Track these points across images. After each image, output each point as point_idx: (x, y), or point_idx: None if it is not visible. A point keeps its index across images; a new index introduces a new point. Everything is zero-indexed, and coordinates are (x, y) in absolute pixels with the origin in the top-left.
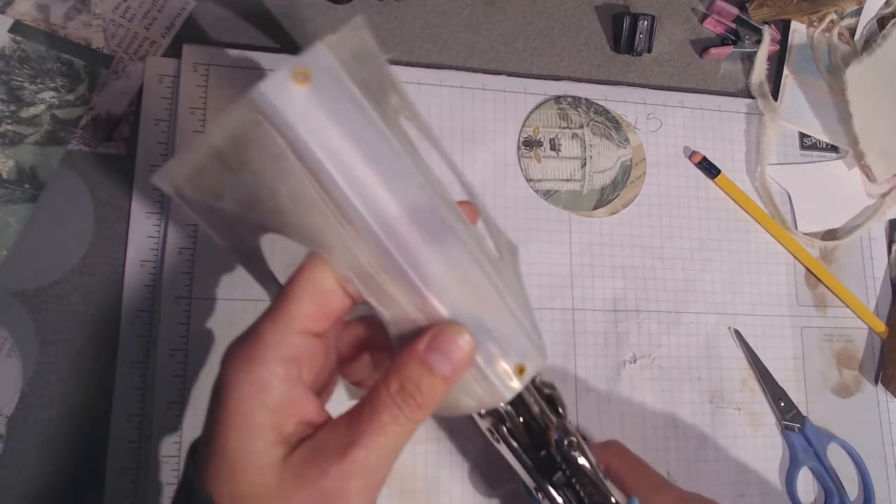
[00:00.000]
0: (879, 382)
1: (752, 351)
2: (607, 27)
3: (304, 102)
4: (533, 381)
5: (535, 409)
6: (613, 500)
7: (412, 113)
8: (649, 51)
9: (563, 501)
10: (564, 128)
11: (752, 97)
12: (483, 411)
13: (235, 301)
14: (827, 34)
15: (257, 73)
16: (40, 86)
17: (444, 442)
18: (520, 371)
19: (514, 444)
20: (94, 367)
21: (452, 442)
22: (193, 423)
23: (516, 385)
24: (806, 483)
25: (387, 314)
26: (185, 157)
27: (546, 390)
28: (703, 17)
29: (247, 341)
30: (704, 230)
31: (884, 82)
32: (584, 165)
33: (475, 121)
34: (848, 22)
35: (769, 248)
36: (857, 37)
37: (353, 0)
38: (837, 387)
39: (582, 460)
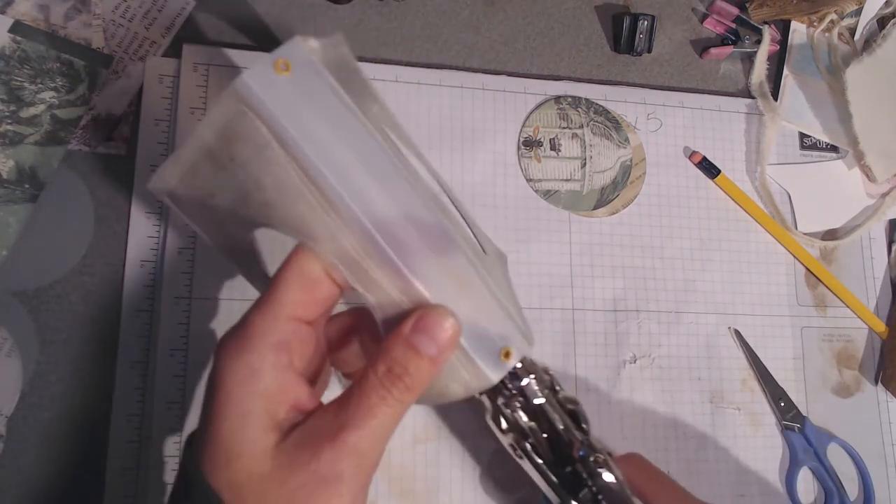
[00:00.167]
0: (879, 382)
1: (752, 351)
2: (607, 27)
3: (285, 91)
4: (556, 397)
5: (560, 425)
6: None
7: (393, 123)
8: (649, 51)
9: None
10: (564, 128)
11: (752, 97)
12: (505, 426)
13: (235, 301)
14: (827, 34)
15: None
16: (40, 86)
17: (445, 442)
18: (506, 355)
19: (539, 460)
20: (94, 367)
21: (453, 442)
22: (193, 423)
23: (502, 369)
24: (806, 483)
25: (372, 299)
26: (178, 156)
27: (569, 405)
28: (703, 17)
29: (237, 331)
30: (704, 230)
31: (884, 82)
32: (584, 165)
33: (475, 121)
34: (848, 22)
35: (769, 248)
36: (857, 37)
37: (353, 0)
38: (837, 387)
39: (608, 476)
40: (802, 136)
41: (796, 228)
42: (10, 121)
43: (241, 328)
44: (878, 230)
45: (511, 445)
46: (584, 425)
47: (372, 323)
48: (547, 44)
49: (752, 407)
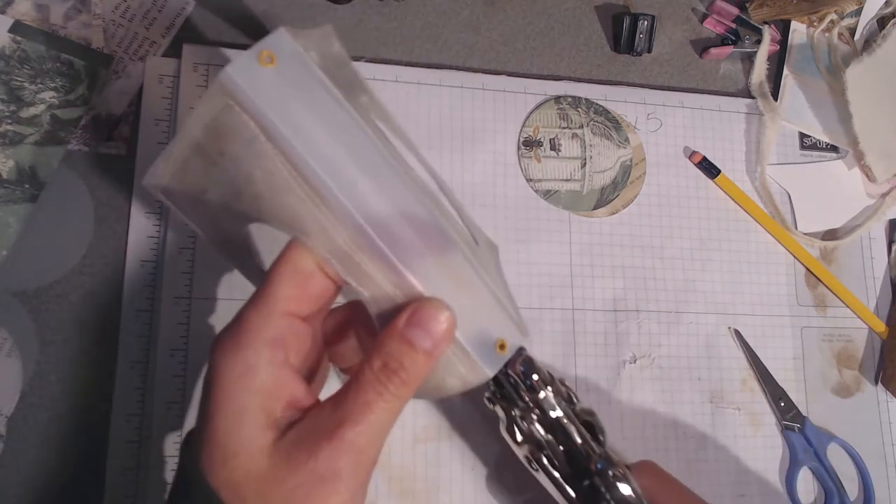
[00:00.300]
0: (879, 382)
1: (752, 351)
2: (607, 27)
3: (270, 83)
4: (573, 409)
5: (578, 438)
6: None
7: (383, 113)
8: (649, 51)
9: None
10: (564, 128)
11: (752, 97)
12: (520, 438)
13: (235, 301)
14: (827, 34)
15: None
16: (40, 86)
17: (445, 442)
18: (500, 347)
19: (556, 473)
20: (94, 367)
21: (453, 442)
22: (193, 422)
23: (498, 361)
24: (806, 483)
25: (366, 293)
26: (169, 153)
27: (586, 417)
28: (703, 17)
29: (232, 327)
30: (704, 230)
31: (884, 82)
32: (584, 165)
33: (475, 121)
34: (848, 22)
35: (769, 248)
36: (857, 37)
37: (354, 0)
38: (837, 387)
39: (626, 489)
40: (802, 136)
41: (796, 228)
42: (10, 121)
43: (236, 325)
44: (878, 230)
45: (526, 457)
46: (600, 436)
47: (367, 317)
48: (547, 44)
49: (752, 407)
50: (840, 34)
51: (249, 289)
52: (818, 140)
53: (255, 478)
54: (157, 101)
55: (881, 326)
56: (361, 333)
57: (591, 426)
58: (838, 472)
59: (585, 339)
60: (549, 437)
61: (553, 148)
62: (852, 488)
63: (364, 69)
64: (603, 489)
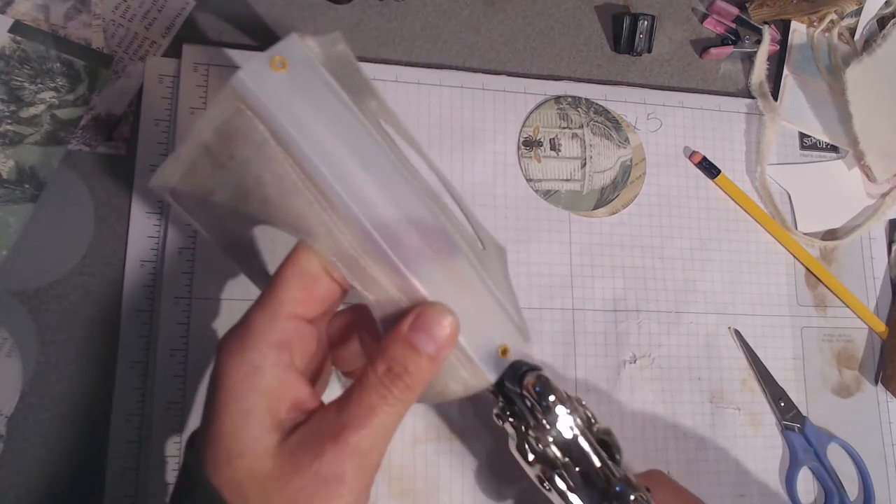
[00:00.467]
0: (879, 382)
1: (752, 351)
2: (607, 27)
3: (282, 88)
4: (591, 429)
5: (598, 462)
6: None
7: (392, 117)
8: (649, 51)
9: None
10: (564, 128)
11: (752, 97)
12: (531, 458)
13: (235, 301)
14: (827, 34)
15: None
16: (40, 86)
17: (445, 442)
18: (503, 352)
19: (572, 496)
20: (94, 367)
21: (453, 442)
22: (194, 423)
23: (500, 367)
24: (806, 483)
25: (371, 297)
26: (178, 155)
27: (603, 437)
28: (703, 17)
29: (238, 329)
30: (704, 230)
31: (884, 82)
32: (584, 165)
33: (475, 121)
34: (848, 22)
35: (769, 248)
36: (857, 37)
37: (354, 0)
38: (837, 387)
39: None
40: (802, 136)
41: (796, 228)
42: (10, 121)
43: (242, 326)
44: (878, 230)
45: (538, 476)
46: (616, 455)
47: (371, 321)
48: (547, 44)
49: (752, 407)
50: (840, 34)
51: (249, 289)
52: (818, 140)
53: (259, 478)
54: (158, 101)
55: (881, 326)
56: (365, 337)
57: (607, 445)
58: (838, 472)
59: (585, 339)
60: (567, 459)
61: (553, 148)
62: (852, 488)
63: (364, 69)
64: None
